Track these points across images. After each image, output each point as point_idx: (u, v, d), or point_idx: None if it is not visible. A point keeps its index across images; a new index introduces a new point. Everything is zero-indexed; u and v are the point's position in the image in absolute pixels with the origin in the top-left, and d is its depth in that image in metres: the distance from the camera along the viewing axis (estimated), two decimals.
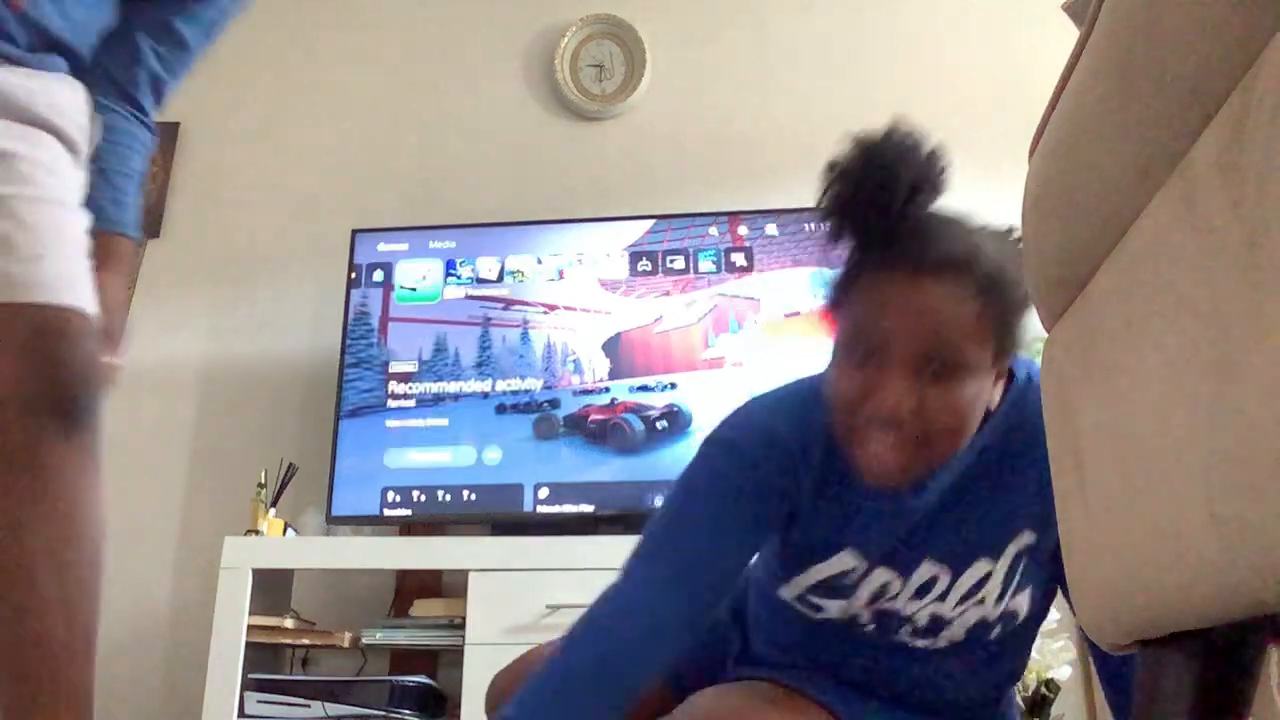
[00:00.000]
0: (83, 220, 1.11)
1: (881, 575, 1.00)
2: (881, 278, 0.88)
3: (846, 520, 0.99)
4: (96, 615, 1.07)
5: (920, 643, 1.03)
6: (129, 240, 1.13)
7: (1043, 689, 1.88)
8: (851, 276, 0.91)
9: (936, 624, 1.02)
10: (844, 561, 1.00)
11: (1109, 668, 1.06)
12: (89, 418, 1.07)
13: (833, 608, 1.03)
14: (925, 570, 0.99)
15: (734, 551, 0.97)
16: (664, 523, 0.98)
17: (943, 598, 1.00)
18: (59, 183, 1.08)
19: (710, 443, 1.02)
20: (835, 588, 1.02)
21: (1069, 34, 0.64)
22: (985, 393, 0.91)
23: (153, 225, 2.88)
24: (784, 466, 0.97)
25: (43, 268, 1.04)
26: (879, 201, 0.86)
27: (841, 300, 0.92)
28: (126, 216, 1.11)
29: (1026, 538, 0.98)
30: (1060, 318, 0.63)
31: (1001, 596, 1.00)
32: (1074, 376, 0.60)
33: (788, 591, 1.04)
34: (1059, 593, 1.03)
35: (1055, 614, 1.75)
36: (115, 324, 1.06)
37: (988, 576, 0.99)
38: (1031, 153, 0.64)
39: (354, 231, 2.60)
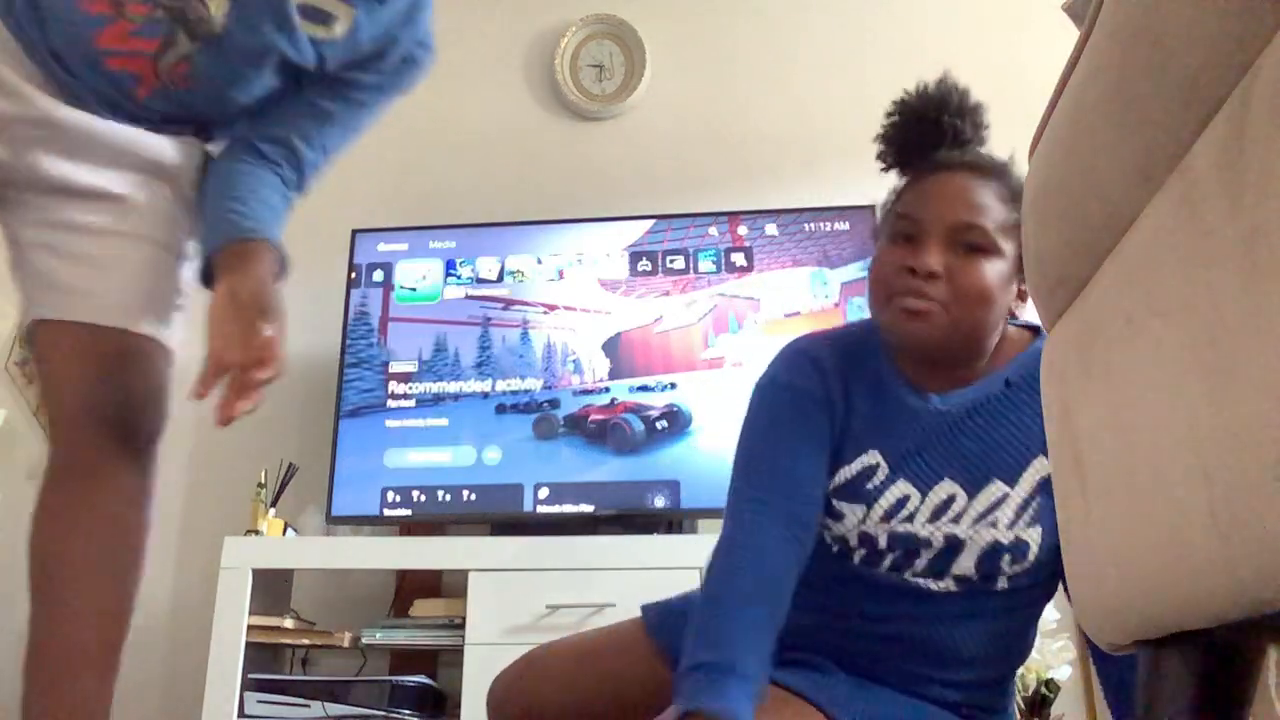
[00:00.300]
0: (179, 262, 1.20)
1: (902, 488, 1.06)
2: (925, 175, 1.07)
3: (876, 422, 1.08)
4: (125, 628, 1.14)
5: (934, 585, 1.05)
6: (257, 242, 1.16)
7: (1043, 689, 1.88)
8: (898, 190, 1.11)
9: (952, 548, 1.04)
10: (870, 458, 1.07)
11: (1108, 669, 1.06)
12: (150, 441, 1.18)
13: (852, 516, 1.06)
14: (943, 489, 1.05)
15: (807, 461, 1.07)
16: (740, 466, 1.10)
17: (958, 519, 1.04)
18: (164, 226, 1.18)
19: (755, 389, 1.14)
20: (857, 491, 1.07)
21: (1069, 34, 0.64)
22: (1008, 291, 1.03)
23: None
24: (817, 378, 1.10)
25: (128, 297, 1.13)
26: (928, 128, 1.09)
27: (889, 206, 1.11)
28: (247, 224, 1.13)
29: (1042, 465, 1.04)
30: (1060, 318, 0.63)
31: (1014, 523, 1.03)
32: (1074, 376, 0.60)
33: None
34: (1060, 588, 1.05)
35: (1055, 614, 1.77)
36: (263, 307, 1.12)
37: (1004, 499, 1.04)
38: (1031, 153, 0.64)
39: (354, 231, 2.60)
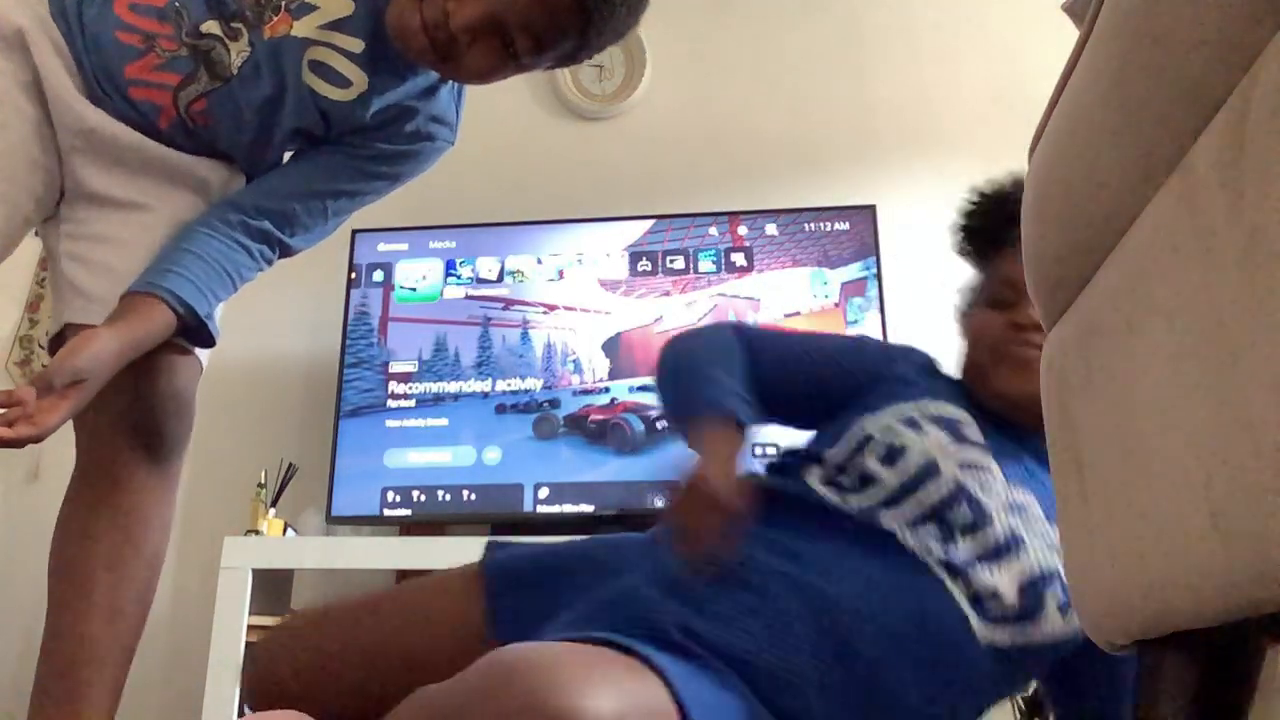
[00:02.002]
0: None
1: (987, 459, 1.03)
2: (1008, 248, 1.13)
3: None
4: (139, 630, 1.17)
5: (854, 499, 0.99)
6: (155, 300, 1.09)
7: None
8: (984, 267, 1.20)
9: (1012, 543, 0.96)
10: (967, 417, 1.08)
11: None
12: (173, 450, 1.18)
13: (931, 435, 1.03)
14: (1020, 494, 1.00)
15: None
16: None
17: (1027, 527, 0.98)
18: None
19: None
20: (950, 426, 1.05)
21: (1069, 34, 0.64)
22: None
23: None
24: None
25: None
26: (1008, 211, 1.09)
27: (975, 286, 1.20)
28: (165, 281, 1.09)
29: None
30: (1060, 318, 0.63)
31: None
32: (1074, 376, 0.60)
33: (872, 423, 1.06)
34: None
35: None
36: (56, 371, 1.00)
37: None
38: (1031, 153, 0.64)
39: (354, 231, 2.59)
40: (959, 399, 1.10)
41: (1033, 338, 1.06)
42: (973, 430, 1.04)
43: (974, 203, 1.22)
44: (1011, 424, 1.07)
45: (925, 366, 1.19)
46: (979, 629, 0.92)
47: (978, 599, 0.92)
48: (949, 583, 0.93)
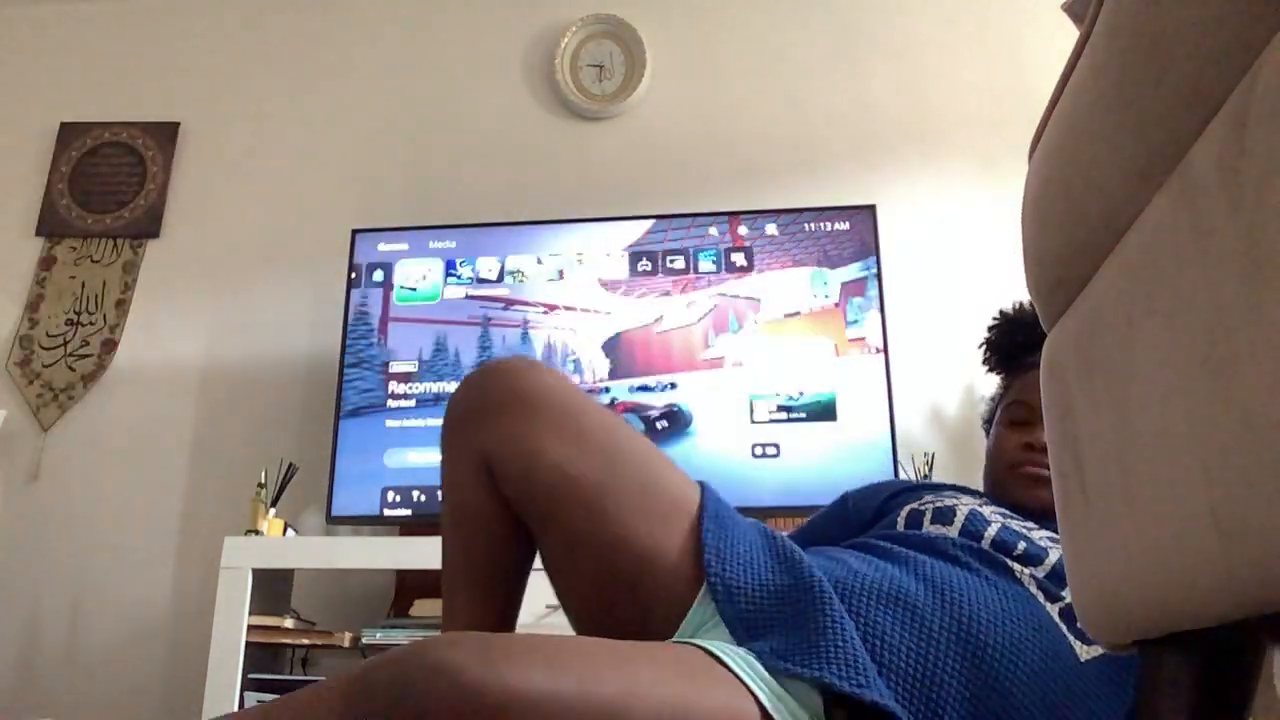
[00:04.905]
0: None
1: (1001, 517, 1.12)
2: (1029, 369, 1.24)
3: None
4: None
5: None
6: None
7: None
8: (1006, 384, 1.32)
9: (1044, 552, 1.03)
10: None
11: None
12: None
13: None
14: (1039, 534, 1.09)
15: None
16: None
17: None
18: None
19: None
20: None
21: (1069, 34, 0.64)
22: None
23: (153, 225, 2.88)
24: None
25: None
26: (1028, 332, 1.28)
27: (998, 399, 1.32)
28: None
29: None
30: (1060, 318, 0.63)
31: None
32: (1074, 376, 0.60)
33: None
34: None
35: None
36: None
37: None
38: (1031, 153, 0.64)
39: (354, 231, 2.60)
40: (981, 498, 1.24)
41: (1043, 459, 1.17)
42: (989, 499, 1.19)
43: (996, 322, 1.34)
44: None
45: (945, 483, 1.29)
46: (1076, 645, 0.94)
47: (1063, 617, 0.96)
48: (1041, 599, 0.97)
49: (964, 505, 1.11)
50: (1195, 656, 0.51)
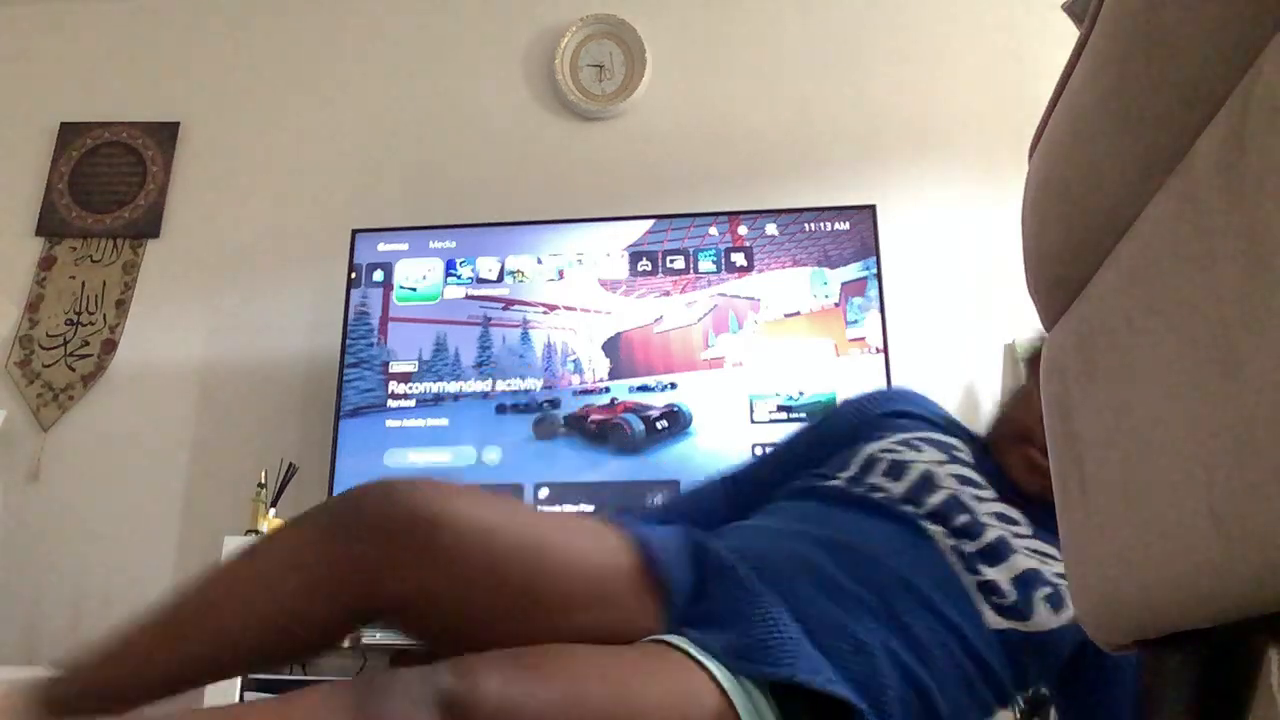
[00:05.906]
0: None
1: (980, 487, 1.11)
2: None
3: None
4: None
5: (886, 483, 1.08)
6: None
7: (1042, 688, 1.88)
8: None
9: (999, 547, 1.04)
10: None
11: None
12: None
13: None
14: (1013, 512, 1.09)
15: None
16: None
17: (1017, 536, 1.07)
18: None
19: None
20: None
21: (1069, 34, 0.64)
22: None
23: (153, 225, 2.88)
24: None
25: None
26: None
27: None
28: None
29: None
30: (1060, 318, 0.63)
31: (1055, 584, 1.05)
32: (1074, 376, 0.60)
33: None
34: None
35: None
36: None
37: (1056, 561, 1.06)
38: (1031, 153, 0.64)
39: (354, 231, 2.60)
40: (960, 434, 1.20)
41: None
42: (964, 454, 1.15)
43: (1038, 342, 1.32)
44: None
45: (931, 411, 1.27)
46: (987, 616, 0.99)
47: (980, 589, 1.01)
48: (959, 567, 1.01)
49: (921, 463, 1.10)
50: (1195, 656, 0.51)
